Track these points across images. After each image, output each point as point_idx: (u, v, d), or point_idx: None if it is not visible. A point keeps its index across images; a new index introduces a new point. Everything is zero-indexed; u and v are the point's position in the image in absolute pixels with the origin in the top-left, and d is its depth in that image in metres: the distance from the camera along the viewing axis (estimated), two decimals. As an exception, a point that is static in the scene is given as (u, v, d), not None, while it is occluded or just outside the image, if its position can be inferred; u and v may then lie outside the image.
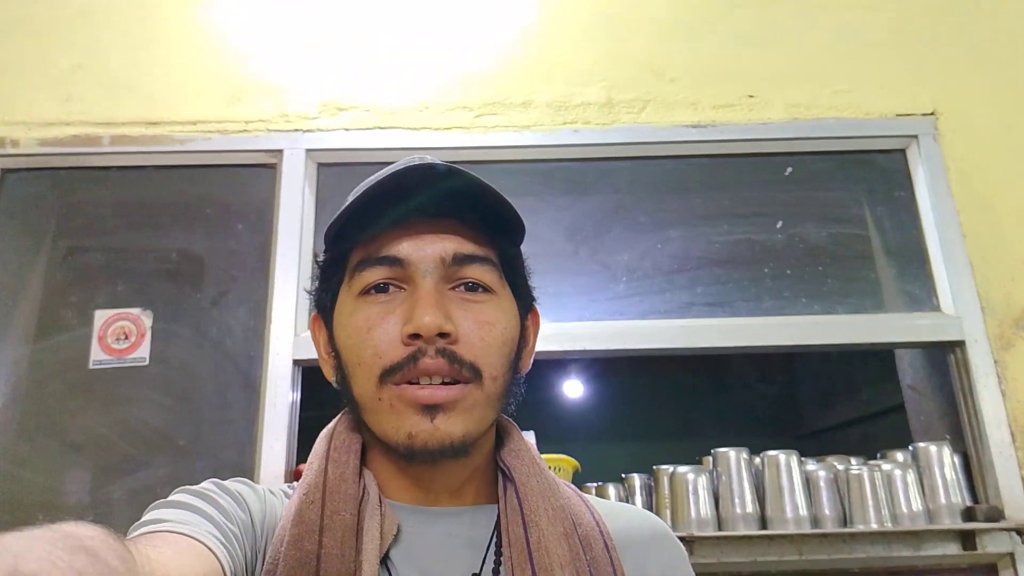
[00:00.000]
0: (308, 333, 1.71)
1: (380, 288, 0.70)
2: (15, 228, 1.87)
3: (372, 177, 0.73)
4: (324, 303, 0.76)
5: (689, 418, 4.10)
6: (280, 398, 1.67)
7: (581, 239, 1.91)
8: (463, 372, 0.67)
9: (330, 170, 1.91)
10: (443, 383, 0.67)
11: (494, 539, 0.71)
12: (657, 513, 1.66)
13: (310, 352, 1.69)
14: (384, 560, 0.67)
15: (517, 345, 0.74)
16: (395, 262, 0.70)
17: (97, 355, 1.72)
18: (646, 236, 1.91)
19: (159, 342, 1.75)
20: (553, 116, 1.94)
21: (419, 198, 0.71)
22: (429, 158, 0.75)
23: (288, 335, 1.72)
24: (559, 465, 1.72)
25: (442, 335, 0.67)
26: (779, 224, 1.92)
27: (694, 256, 1.89)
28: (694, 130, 1.93)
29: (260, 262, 1.80)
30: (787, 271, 1.88)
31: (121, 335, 1.73)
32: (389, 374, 0.67)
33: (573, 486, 0.80)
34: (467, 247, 0.71)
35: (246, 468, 1.63)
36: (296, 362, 1.71)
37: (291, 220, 1.81)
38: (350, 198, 0.73)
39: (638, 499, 1.74)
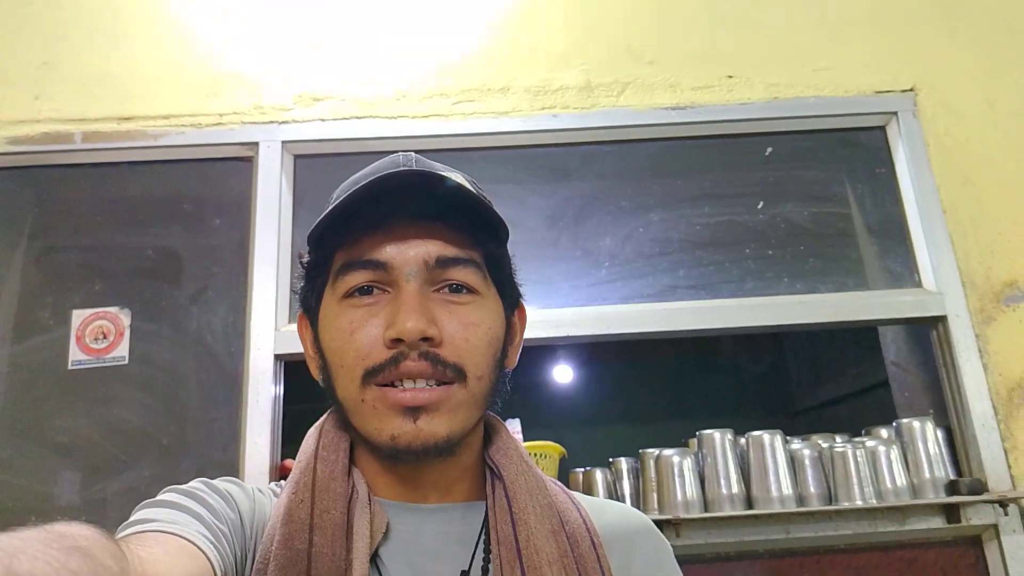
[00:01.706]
0: (289, 328, 1.72)
1: (364, 291, 0.70)
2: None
3: (355, 177, 0.73)
4: (309, 303, 0.76)
5: (678, 400, 4.12)
6: (262, 393, 1.66)
7: (563, 225, 1.90)
8: (447, 373, 0.68)
9: (307, 161, 1.90)
10: (427, 385, 0.67)
11: (483, 536, 0.71)
12: (644, 496, 1.68)
13: (291, 346, 1.69)
14: (374, 558, 0.68)
15: (503, 344, 0.74)
16: (378, 266, 0.70)
17: (76, 355, 1.71)
18: (628, 220, 1.91)
19: (138, 340, 1.73)
20: (532, 101, 1.93)
21: (402, 201, 0.70)
22: (414, 155, 0.75)
23: (269, 329, 1.71)
24: (545, 452, 1.72)
25: (426, 339, 0.67)
26: (760, 204, 1.92)
27: (676, 239, 1.89)
28: (674, 112, 1.92)
29: (238, 256, 1.78)
30: (769, 251, 1.88)
31: (99, 334, 1.72)
32: (371, 376, 0.67)
33: (560, 483, 0.81)
34: (450, 250, 0.71)
35: (230, 464, 1.62)
36: (277, 356, 1.70)
37: (269, 213, 1.80)
38: (333, 199, 0.73)
39: (625, 483, 1.75)
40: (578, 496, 0.79)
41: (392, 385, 0.67)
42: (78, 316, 1.74)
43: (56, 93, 1.90)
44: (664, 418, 3.76)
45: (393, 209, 0.70)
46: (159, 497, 0.66)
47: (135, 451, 1.67)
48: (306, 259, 0.77)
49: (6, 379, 1.72)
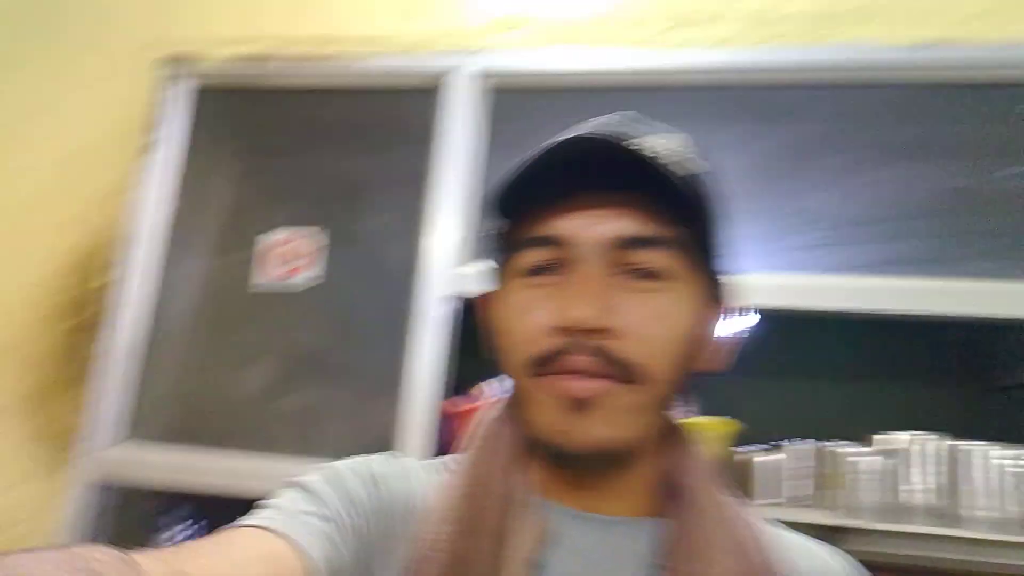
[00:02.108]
0: (467, 268, 1.67)
1: (540, 270, 0.64)
2: (194, 146, 1.91)
3: (542, 145, 0.65)
4: (491, 276, 0.72)
5: (870, 358, 3.78)
6: (434, 333, 1.63)
7: (773, 175, 1.69)
8: (619, 372, 0.60)
9: (500, 92, 1.79)
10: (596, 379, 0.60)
11: (656, 561, 0.64)
12: (820, 493, 1.53)
13: (468, 287, 1.65)
14: (532, 564, 0.63)
15: (694, 341, 0.65)
16: (556, 243, 0.63)
17: (264, 275, 1.77)
18: (850, 176, 1.66)
19: (324, 265, 1.76)
20: (753, 31, 1.71)
21: (593, 171, 0.62)
22: (619, 116, 0.66)
23: (447, 268, 1.67)
24: (715, 430, 1.60)
25: (598, 330, 0.59)
26: (1012, 170, 1.61)
27: (906, 202, 1.62)
28: (923, 50, 1.63)
29: (424, 189, 1.74)
30: (1016, 225, 1.59)
31: (288, 257, 1.76)
32: (535, 366, 0.62)
33: (751, 512, 0.71)
34: (640, 228, 0.62)
35: (393, 400, 1.62)
36: (452, 296, 1.66)
37: (457, 146, 1.73)
38: (515, 167, 0.65)
39: (796, 474, 1.59)
40: (770, 531, 0.70)
41: (557, 374, 0.61)
42: (270, 237, 1.79)
43: (268, 14, 1.92)
44: (850, 380, 3.49)
45: (582, 180, 0.62)
46: (301, 479, 0.65)
47: (309, 372, 1.72)
48: (487, 231, 0.71)
49: (199, 296, 1.83)
